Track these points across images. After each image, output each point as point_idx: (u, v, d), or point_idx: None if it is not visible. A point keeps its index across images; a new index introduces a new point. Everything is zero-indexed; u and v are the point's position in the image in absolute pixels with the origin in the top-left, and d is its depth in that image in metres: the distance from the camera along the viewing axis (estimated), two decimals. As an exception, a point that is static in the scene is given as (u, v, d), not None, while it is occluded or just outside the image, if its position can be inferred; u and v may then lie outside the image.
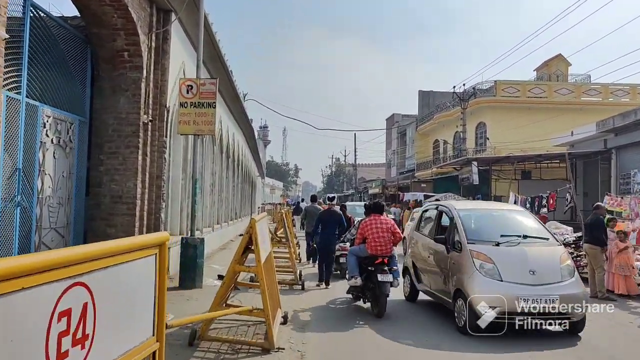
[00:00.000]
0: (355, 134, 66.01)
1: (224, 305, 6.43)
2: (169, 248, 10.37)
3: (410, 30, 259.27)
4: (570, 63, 38.64)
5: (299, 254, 14.41)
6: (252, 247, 5.40)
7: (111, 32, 8.71)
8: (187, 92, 9.28)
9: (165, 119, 9.79)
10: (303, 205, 27.27)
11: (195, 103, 9.23)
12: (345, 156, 71.92)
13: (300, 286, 9.81)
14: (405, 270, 9.13)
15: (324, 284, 10.21)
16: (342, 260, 10.44)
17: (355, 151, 60.11)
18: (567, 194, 14.40)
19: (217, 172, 17.76)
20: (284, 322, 6.87)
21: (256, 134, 74.80)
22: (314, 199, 15.52)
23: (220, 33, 13.72)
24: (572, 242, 11.84)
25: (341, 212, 11.54)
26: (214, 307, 5.43)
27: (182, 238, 9.20)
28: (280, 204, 48.41)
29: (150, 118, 9.20)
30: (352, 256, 8.25)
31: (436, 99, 43.63)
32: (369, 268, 7.93)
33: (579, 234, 12.18)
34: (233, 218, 22.63)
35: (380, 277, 7.58)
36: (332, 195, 15.23)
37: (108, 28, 8.66)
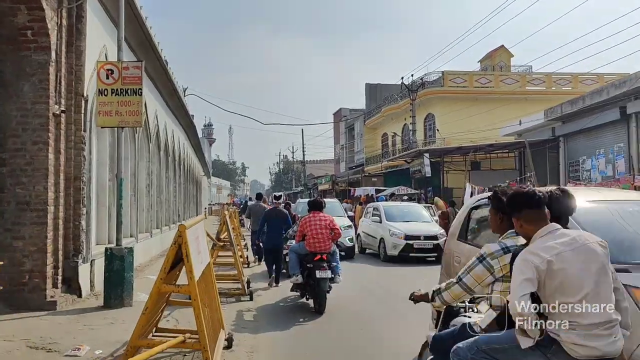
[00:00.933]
0: (302, 129, 64.95)
1: (152, 332, 5.23)
2: (92, 260, 9.01)
3: (355, 28, 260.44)
4: (512, 54, 39.04)
5: (247, 257, 13.28)
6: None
7: (10, 5, 7.28)
8: (107, 78, 7.91)
9: (83, 111, 8.38)
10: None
11: (117, 90, 7.89)
12: (293, 153, 70.84)
13: (248, 296, 8.67)
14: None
15: (274, 282, 10.21)
16: (287, 259, 10.39)
17: (303, 147, 59.11)
18: (528, 183, 13.92)
19: (154, 172, 16.24)
20: (228, 346, 5.73)
21: (200, 132, 72.57)
22: (259, 197, 14.53)
23: (155, 27, 12.35)
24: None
25: (287, 211, 11.49)
26: (133, 340, 4.22)
27: (106, 249, 7.83)
28: (227, 204, 46.72)
29: (63, 109, 7.78)
30: (292, 253, 8.24)
31: (383, 92, 43.20)
32: (309, 265, 7.92)
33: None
34: (175, 221, 21.10)
35: (318, 274, 7.70)
36: (279, 194, 14.98)
37: (6, 1, 7.23)
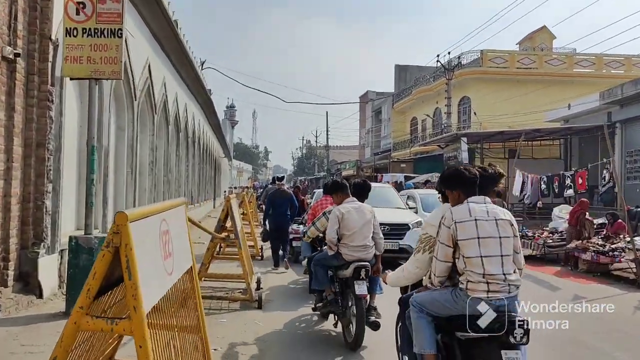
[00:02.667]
0: (327, 111, 62.80)
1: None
2: (62, 251, 7.18)
3: (384, 13, 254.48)
4: (555, 36, 36.25)
5: (260, 248, 11.43)
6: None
7: None
8: (78, 14, 6.01)
9: (51, 58, 6.53)
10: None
11: (89, 30, 5.99)
12: (316, 137, 68.77)
13: (256, 303, 6.78)
14: None
15: (281, 266, 9.84)
16: (294, 244, 10.32)
17: (327, 130, 56.94)
18: (605, 171, 11.67)
19: (160, 147, 14.46)
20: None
21: (222, 114, 70.96)
22: (279, 180, 12.52)
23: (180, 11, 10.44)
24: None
25: (291, 192, 11.35)
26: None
27: (70, 238, 5.98)
28: (247, 187, 45.04)
29: (18, 51, 5.93)
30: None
31: (414, 74, 40.77)
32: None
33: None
34: (187, 203, 19.40)
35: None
36: (282, 175, 13.19)
37: None
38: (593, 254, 9.68)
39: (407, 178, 25.75)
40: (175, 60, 14.97)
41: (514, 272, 3.25)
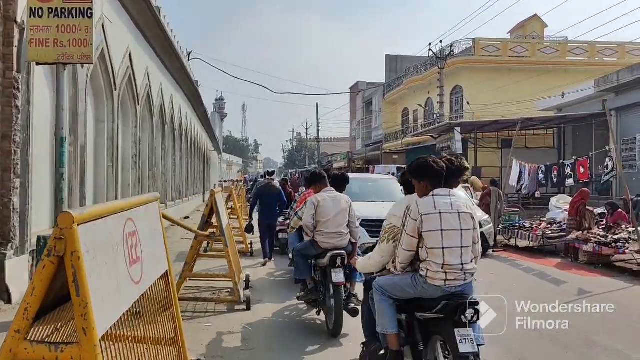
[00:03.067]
0: (317, 103, 62.22)
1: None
2: (33, 251, 6.63)
3: (372, 4, 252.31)
4: (546, 24, 35.91)
5: (250, 244, 10.96)
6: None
7: None
8: (43, -8, 5.46)
9: (16, 43, 6.00)
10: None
11: (56, 10, 5.44)
12: (307, 129, 68.16)
13: (244, 304, 6.33)
14: None
15: (268, 258, 9.77)
16: (280, 236, 10.21)
17: (317, 122, 56.49)
18: (607, 159, 11.27)
19: (145, 140, 13.91)
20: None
21: (211, 107, 70.07)
22: (269, 175, 12.10)
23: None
24: None
25: (280, 188, 11.08)
26: None
27: (38, 238, 5.47)
28: (237, 180, 44.44)
29: (-24, 34, 5.39)
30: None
31: (405, 64, 40.31)
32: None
33: None
34: (175, 198, 18.86)
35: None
36: (272, 170, 13.06)
37: None
38: (595, 245, 9.32)
39: (399, 169, 25.32)
40: (159, 50, 14.39)
41: (472, 261, 3.48)
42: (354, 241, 5.70)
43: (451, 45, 26.64)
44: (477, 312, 3.35)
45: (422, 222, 3.39)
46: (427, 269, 3.39)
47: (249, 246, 10.87)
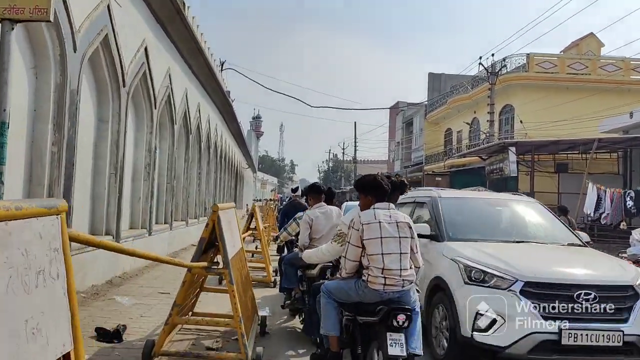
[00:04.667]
0: (355, 122, 60.52)
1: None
2: None
3: (411, 28, 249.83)
4: (603, 43, 33.45)
5: (274, 274, 9.22)
6: None
7: None
8: None
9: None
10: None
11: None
12: (343, 149, 66.47)
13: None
14: None
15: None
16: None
17: (355, 141, 54.75)
18: None
19: (163, 150, 12.46)
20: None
21: (248, 124, 69.51)
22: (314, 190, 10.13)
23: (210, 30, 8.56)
24: None
25: (306, 204, 8.92)
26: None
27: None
28: (271, 199, 42.97)
29: None
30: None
31: (447, 83, 38.35)
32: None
33: None
34: (199, 215, 17.34)
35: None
36: (296, 186, 11.31)
37: None
38: None
39: (443, 192, 23.23)
40: (185, 51, 13.01)
41: (410, 268, 3.73)
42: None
43: (504, 60, 24.57)
44: (408, 318, 3.50)
45: (364, 231, 3.65)
46: (369, 274, 3.62)
47: (272, 275, 9.14)
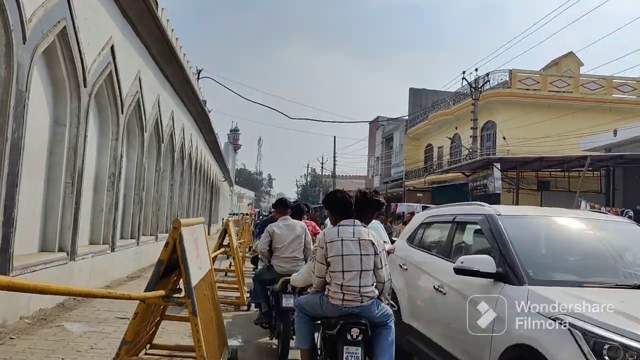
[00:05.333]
0: (334, 137, 60.06)
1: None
2: None
3: (394, 46, 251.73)
4: (582, 62, 33.61)
5: (247, 295, 8.39)
6: None
7: None
8: None
9: None
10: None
11: None
12: (322, 163, 65.82)
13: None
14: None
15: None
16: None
17: (334, 156, 54.17)
18: None
19: (131, 158, 11.57)
20: None
21: (226, 137, 68.44)
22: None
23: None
24: None
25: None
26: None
27: None
28: (247, 214, 41.89)
29: None
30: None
31: (429, 99, 38.11)
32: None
33: None
34: (170, 229, 16.33)
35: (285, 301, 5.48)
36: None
37: None
38: None
39: (424, 208, 22.67)
40: (157, 52, 12.19)
41: (372, 284, 3.78)
42: None
43: (487, 75, 24.26)
44: (362, 332, 3.60)
45: (327, 249, 3.78)
46: (329, 289, 3.77)
47: (246, 298, 8.30)
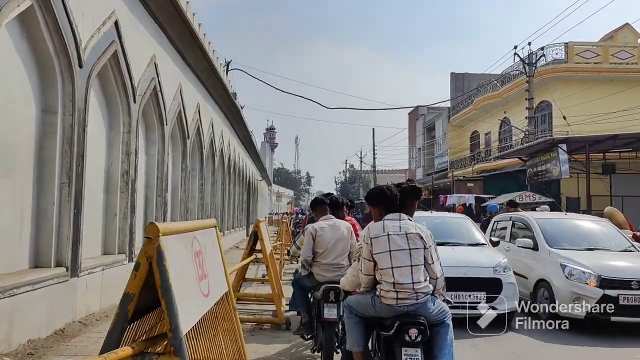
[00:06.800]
0: (373, 129, 58.27)
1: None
2: None
3: (425, 37, 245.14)
4: (640, 33, 30.78)
5: (284, 309, 6.89)
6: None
7: None
8: None
9: None
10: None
11: None
12: (361, 158, 63.99)
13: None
14: None
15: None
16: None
17: (373, 149, 52.32)
18: None
19: (151, 155, 10.27)
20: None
21: (261, 136, 67.56)
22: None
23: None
24: None
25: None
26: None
27: None
28: (286, 213, 40.60)
29: None
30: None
31: (472, 83, 35.86)
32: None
33: None
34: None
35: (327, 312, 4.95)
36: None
37: None
38: None
39: (477, 200, 20.72)
40: (176, 34, 10.83)
41: (425, 280, 3.56)
42: None
43: (542, 49, 21.98)
44: (422, 332, 3.42)
45: (372, 245, 3.60)
46: (381, 289, 3.55)
47: (284, 310, 6.79)
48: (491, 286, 6.93)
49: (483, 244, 8.25)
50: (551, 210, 15.62)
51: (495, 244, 8.44)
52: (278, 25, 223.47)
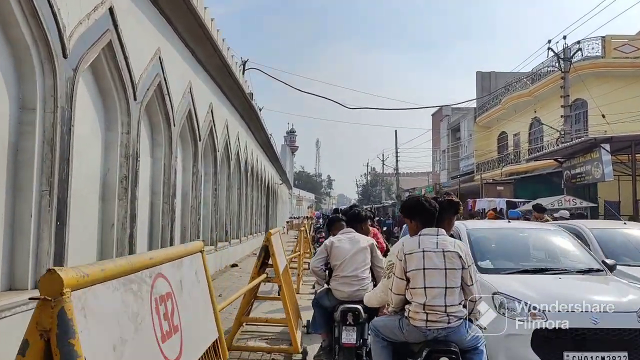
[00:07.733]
0: (395, 130, 57.10)
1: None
2: None
3: (450, 39, 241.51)
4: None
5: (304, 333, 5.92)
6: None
7: None
8: None
9: None
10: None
11: None
12: (383, 160, 62.73)
13: None
14: None
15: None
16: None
17: (396, 150, 51.02)
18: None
19: (159, 159, 9.42)
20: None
21: (282, 139, 66.84)
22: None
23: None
24: None
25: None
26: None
27: None
28: (307, 217, 39.67)
29: None
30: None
31: (499, 82, 34.45)
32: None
33: None
34: (216, 241, 14.17)
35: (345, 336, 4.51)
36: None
37: None
38: None
39: (509, 204, 19.48)
40: (186, 30, 9.98)
41: (459, 303, 3.26)
42: None
43: (578, 42, 20.60)
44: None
45: (406, 262, 3.31)
46: (410, 310, 3.28)
47: (298, 342, 5.80)
48: (638, 343, 4.39)
49: (599, 270, 5.61)
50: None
51: (612, 269, 5.74)
52: (297, 28, 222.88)
